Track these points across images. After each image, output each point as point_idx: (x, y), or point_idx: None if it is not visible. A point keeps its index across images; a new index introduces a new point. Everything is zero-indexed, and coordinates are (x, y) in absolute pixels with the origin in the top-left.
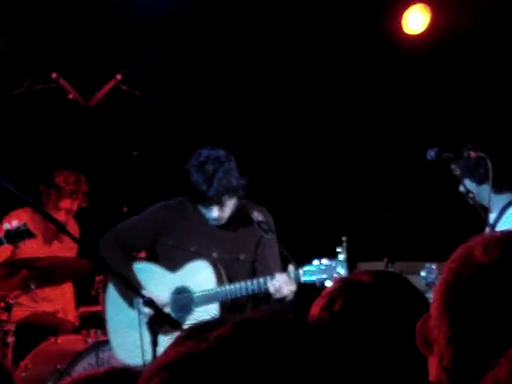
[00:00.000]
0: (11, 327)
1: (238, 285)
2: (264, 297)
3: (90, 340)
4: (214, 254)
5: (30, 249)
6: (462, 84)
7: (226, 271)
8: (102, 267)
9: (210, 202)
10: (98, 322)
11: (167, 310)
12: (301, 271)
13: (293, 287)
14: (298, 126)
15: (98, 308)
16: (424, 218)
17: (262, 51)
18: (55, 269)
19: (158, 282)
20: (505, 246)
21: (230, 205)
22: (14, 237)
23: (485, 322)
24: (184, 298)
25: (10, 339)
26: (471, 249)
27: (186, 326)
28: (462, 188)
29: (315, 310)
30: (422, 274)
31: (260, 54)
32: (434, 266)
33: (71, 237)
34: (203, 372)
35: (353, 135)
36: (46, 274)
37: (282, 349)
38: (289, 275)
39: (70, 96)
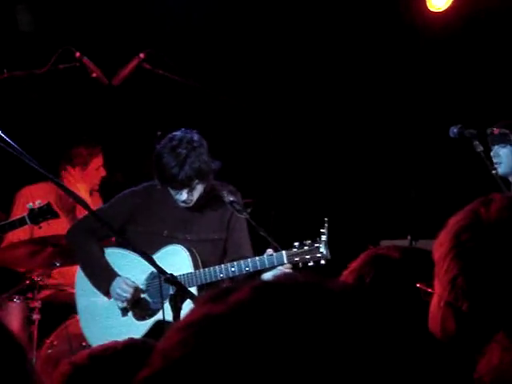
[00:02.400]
0: (37, 304)
1: (217, 268)
2: (244, 279)
3: None
4: (188, 237)
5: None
6: (487, 61)
7: (201, 253)
8: (75, 257)
9: (180, 185)
10: None
11: (142, 295)
12: (284, 253)
13: (277, 270)
14: (320, 103)
15: None
16: (447, 195)
17: (279, 30)
18: None
19: (131, 267)
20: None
21: (200, 188)
22: (38, 216)
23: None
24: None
25: (36, 316)
26: (478, 204)
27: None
28: (492, 153)
29: None
30: None
31: (278, 32)
32: None
33: (89, 211)
34: (221, 333)
35: (376, 114)
36: (70, 251)
37: (300, 312)
38: (271, 257)
39: (94, 75)
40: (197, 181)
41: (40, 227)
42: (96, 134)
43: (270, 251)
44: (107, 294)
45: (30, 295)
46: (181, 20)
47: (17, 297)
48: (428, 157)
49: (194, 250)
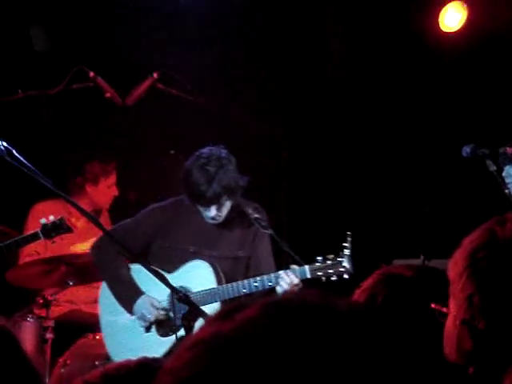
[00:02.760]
0: (50, 323)
1: (240, 283)
2: (266, 294)
3: None
4: (214, 253)
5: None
6: (499, 81)
7: (225, 269)
8: (99, 272)
9: (208, 202)
10: None
11: (166, 312)
12: (307, 267)
13: (299, 284)
14: (334, 123)
15: None
16: (460, 215)
17: (293, 47)
18: (93, 265)
19: (155, 283)
20: None
21: (228, 205)
22: (51, 231)
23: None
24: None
25: (49, 335)
26: (493, 223)
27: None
28: (504, 173)
29: None
30: None
31: (291, 50)
32: None
33: (102, 229)
34: (230, 352)
35: (389, 132)
36: (84, 270)
37: (307, 332)
38: (294, 272)
39: (107, 95)
40: (225, 197)
41: (53, 242)
42: (109, 154)
43: (294, 267)
44: (131, 311)
45: (43, 314)
46: (194, 39)
47: (30, 316)
48: (441, 176)
49: (218, 266)
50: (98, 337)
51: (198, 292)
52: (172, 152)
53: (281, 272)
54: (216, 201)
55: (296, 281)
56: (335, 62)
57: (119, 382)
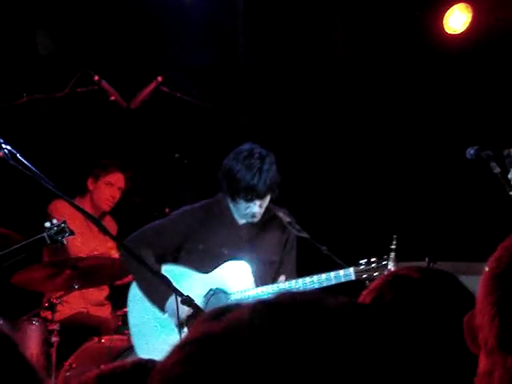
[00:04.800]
0: (55, 327)
1: (281, 285)
2: None
3: None
4: (247, 256)
5: (73, 246)
6: (504, 83)
7: (257, 273)
8: (129, 269)
9: (257, 195)
10: None
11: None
12: (352, 269)
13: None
14: (337, 129)
15: None
16: (464, 218)
17: (299, 50)
18: (98, 269)
19: (190, 284)
20: None
21: (267, 201)
22: (56, 234)
23: None
24: (219, 300)
25: (54, 339)
26: None
27: None
28: (509, 175)
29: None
30: None
31: (298, 52)
32: None
33: (106, 232)
34: (219, 351)
35: (392, 137)
36: (89, 274)
37: (295, 330)
38: (339, 275)
39: (112, 98)
40: (270, 191)
41: (61, 244)
42: (114, 157)
43: (341, 272)
44: (163, 309)
45: (48, 317)
46: (196, 43)
47: (35, 319)
48: (445, 179)
49: (255, 267)
50: (103, 340)
51: (236, 293)
52: (177, 155)
53: (323, 275)
54: (264, 194)
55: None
56: (340, 66)
57: (114, 382)
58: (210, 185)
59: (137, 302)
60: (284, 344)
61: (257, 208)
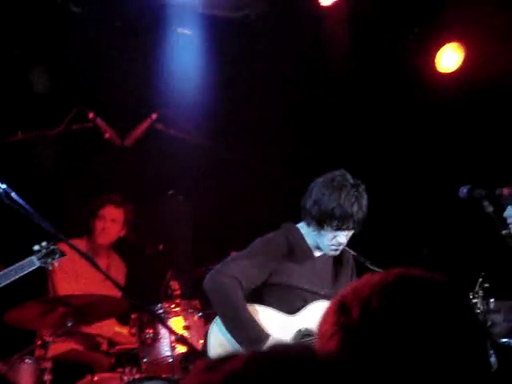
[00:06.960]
0: (48, 365)
1: None
2: None
3: (125, 378)
4: (326, 292)
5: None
6: (495, 123)
7: None
8: (215, 305)
9: (352, 224)
10: (133, 359)
11: None
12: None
13: None
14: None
15: (133, 346)
16: (458, 255)
17: (290, 88)
18: (92, 306)
19: (276, 325)
20: None
21: (351, 233)
22: (45, 256)
23: None
24: (310, 342)
25: (47, 377)
26: None
27: None
28: (505, 213)
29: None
30: None
31: (288, 88)
32: None
33: (99, 269)
34: None
35: (385, 172)
36: (82, 311)
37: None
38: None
39: (107, 135)
40: (362, 222)
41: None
42: (108, 194)
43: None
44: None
45: (41, 354)
46: (191, 80)
47: (28, 357)
48: (440, 216)
49: None
50: (96, 378)
51: None
52: (170, 192)
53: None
54: (358, 224)
55: None
56: (332, 105)
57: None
58: (205, 221)
59: (221, 344)
60: None
61: (344, 238)
